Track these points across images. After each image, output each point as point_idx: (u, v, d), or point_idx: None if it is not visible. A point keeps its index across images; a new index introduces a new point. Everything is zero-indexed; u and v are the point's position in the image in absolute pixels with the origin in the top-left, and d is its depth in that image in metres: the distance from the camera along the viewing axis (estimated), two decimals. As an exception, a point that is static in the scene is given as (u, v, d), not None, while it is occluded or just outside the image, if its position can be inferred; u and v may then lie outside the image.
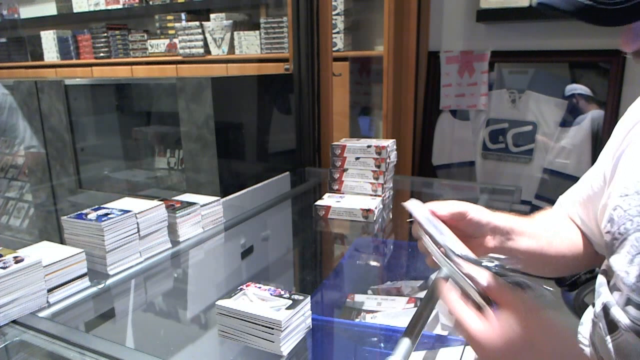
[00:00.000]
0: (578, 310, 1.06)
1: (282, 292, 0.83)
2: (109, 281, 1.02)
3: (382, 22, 2.01)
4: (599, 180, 0.76)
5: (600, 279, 0.70)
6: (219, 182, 1.54)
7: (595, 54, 1.84)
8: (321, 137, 1.97)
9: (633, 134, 0.69)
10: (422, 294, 1.28)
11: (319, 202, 1.45)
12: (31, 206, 2.52)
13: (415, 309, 1.20)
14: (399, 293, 1.32)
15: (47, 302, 0.91)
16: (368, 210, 1.39)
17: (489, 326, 0.53)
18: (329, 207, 1.43)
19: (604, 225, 0.68)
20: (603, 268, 0.72)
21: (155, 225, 1.13)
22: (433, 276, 1.30)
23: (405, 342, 0.70)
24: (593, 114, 1.86)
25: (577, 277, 1.03)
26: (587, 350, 0.71)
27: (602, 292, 0.67)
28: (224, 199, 1.38)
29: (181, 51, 2.92)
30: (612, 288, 0.65)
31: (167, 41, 3.03)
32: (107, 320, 1.01)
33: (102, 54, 3.32)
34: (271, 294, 0.83)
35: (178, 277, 1.20)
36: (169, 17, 3.02)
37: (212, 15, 2.85)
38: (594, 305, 1.06)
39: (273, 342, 0.76)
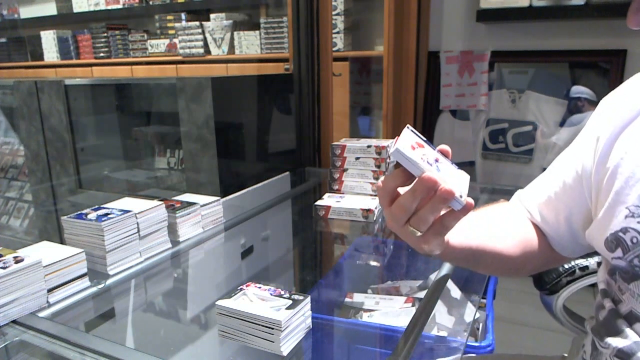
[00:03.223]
0: (559, 314, 1.05)
1: (282, 292, 0.83)
2: (109, 281, 1.02)
3: (382, 22, 2.01)
4: (570, 174, 0.70)
5: (609, 307, 0.63)
6: (219, 182, 1.54)
7: (595, 54, 1.84)
8: (321, 137, 1.97)
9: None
10: (421, 294, 1.28)
11: (319, 202, 1.45)
12: (31, 206, 2.52)
13: (413, 308, 1.21)
14: (398, 292, 1.32)
15: (47, 302, 0.91)
16: (368, 210, 1.39)
17: None
18: (329, 207, 1.43)
19: (609, 237, 0.60)
20: (603, 288, 0.67)
21: (155, 225, 1.13)
22: (433, 276, 1.30)
23: (404, 343, 0.71)
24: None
25: (557, 280, 1.01)
26: None
27: (628, 333, 0.58)
28: (224, 199, 1.38)
29: (181, 51, 2.92)
30: (633, 319, 0.59)
31: (167, 41, 3.03)
32: (107, 320, 1.01)
33: (102, 54, 3.32)
34: (271, 294, 0.83)
35: (178, 277, 1.20)
36: (169, 17, 3.02)
37: (212, 15, 2.85)
38: (568, 310, 1.01)
39: (273, 342, 0.76)
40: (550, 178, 0.75)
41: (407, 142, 0.56)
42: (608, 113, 0.67)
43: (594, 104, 1.86)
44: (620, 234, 0.58)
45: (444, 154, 0.60)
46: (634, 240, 0.57)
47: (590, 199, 0.67)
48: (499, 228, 0.76)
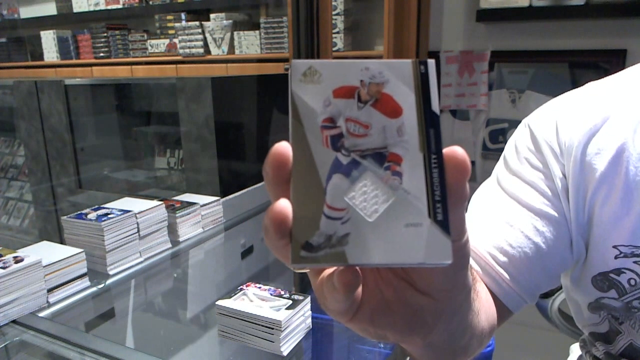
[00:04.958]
0: (554, 318, 1.04)
1: (282, 292, 0.83)
2: (109, 281, 1.02)
3: (382, 22, 2.01)
4: (546, 229, 0.55)
5: (603, 350, 0.60)
6: (219, 182, 1.54)
7: (595, 54, 1.84)
8: (321, 137, 1.96)
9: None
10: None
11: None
12: (31, 206, 2.52)
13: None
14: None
15: (47, 302, 0.91)
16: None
17: None
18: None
19: (598, 276, 0.54)
20: (592, 332, 0.62)
21: (155, 225, 1.13)
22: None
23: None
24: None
25: None
26: None
27: None
28: (224, 199, 1.38)
29: (181, 51, 2.91)
30: (633, 352, 0.56)
31: (167, 41, 3.03)
32: (107, 320, 1.01)
33: (102, 54, 3.32)
34: (271, 294, 0.83)
35: (178, 277, 1.20)
36: (169, 17, 3.02)
37: (212, 15, 2.84)
38: (563, 313, 0.93)
39: (273, 342, 0.76)
40: (516, 234, 0.55)
41: None
42: (554, 145, 0.57)
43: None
44: (613, 275, 0.54)
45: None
46: (632, 282, 0.53)
47: (570, 242, 0.56)
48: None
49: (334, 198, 0.26)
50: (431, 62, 0.27)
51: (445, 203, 0.26)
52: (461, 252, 0.29)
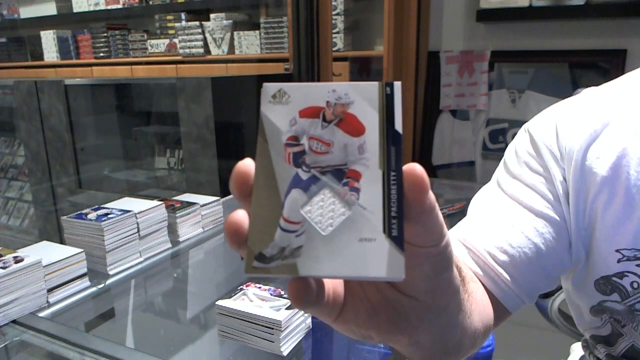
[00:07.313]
0: (554, 318, 1.04)
1: (282, 292, 0.83)
2: (109, 281, 1.02)
3: (382, 22, 2.01)
4: (546, 230, 0.55)
5: (605, 352, 0.60)
6: (219, 182, 1.54)
7: (595, 54, 1.84)
8: (321, 137, 1.97)
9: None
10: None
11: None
12: (31, 206, 2.52)
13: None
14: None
15: (47, 302, 0.91)
16: (368, 210, 1.39)
17: None
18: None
19: (600, 280, 0.55)
20: (593, 334, 0.63)
21: (155, 225, 1.13)
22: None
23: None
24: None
25: None
26: None
27: None
28: (224, 199, 1.38)
29: (181, 51, 2.92)
30: (636, 353, 0.56)
31: (167, 41, 3.03)
32: (107, 320, 1.01)
33: (102, 54, 3.32)
34: (271, 294, 0.83)
35: (178, 277, 1.20)
36: (169, 17, 3.02)
37: (212, 15, 2.84)
38: (563, 313, 0.93)
39: (273, 342, 0.76)
40: (517, 234, 0.56)
41: None
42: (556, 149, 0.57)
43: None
44: (616, 278, 0.54)
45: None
46: (635, 285, 0.54)
47: (569, 245, 0.57)
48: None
49: (291, 211, 0.26)
50: (397, 84, 0.28)
51: (402, 220, 0.26)
52: (441, 255, 0.30)
